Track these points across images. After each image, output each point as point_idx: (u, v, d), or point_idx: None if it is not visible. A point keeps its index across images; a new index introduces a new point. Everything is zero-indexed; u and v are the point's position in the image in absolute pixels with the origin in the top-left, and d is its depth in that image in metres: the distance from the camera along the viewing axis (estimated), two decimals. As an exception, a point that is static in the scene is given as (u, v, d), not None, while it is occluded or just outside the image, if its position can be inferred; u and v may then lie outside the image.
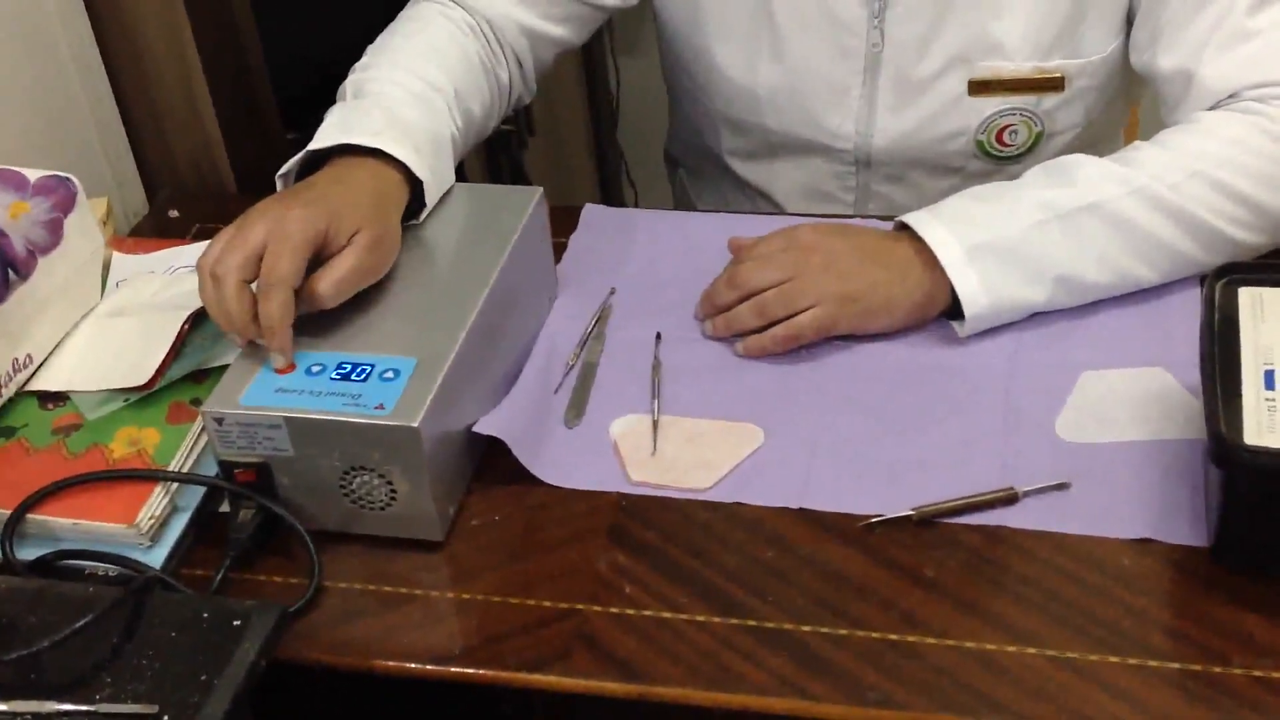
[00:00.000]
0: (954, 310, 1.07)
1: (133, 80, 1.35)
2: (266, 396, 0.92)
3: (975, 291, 1.04)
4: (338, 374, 0.93)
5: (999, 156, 1.22)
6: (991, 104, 1.19)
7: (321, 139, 1.04)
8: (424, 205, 1.06)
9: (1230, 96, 1.10)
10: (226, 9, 1.38)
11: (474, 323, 0.97)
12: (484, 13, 1.21)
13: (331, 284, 0.95)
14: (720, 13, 1.25)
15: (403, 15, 1.22)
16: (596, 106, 2.52)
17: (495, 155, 1.97)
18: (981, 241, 1.04)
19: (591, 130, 2.54)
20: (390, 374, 0.93)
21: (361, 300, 1.00)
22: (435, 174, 1.06)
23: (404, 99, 1.09)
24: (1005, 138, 1.20)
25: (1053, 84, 1.17)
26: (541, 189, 1.10)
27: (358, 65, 1.16)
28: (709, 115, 1.34)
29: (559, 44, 1.28)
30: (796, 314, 1.05)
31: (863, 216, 1.25)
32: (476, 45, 1.20)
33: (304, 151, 1.05)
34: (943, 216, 1.06)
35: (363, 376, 0.93)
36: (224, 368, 0.97)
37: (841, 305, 1.05)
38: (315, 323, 0.98)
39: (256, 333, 0.93)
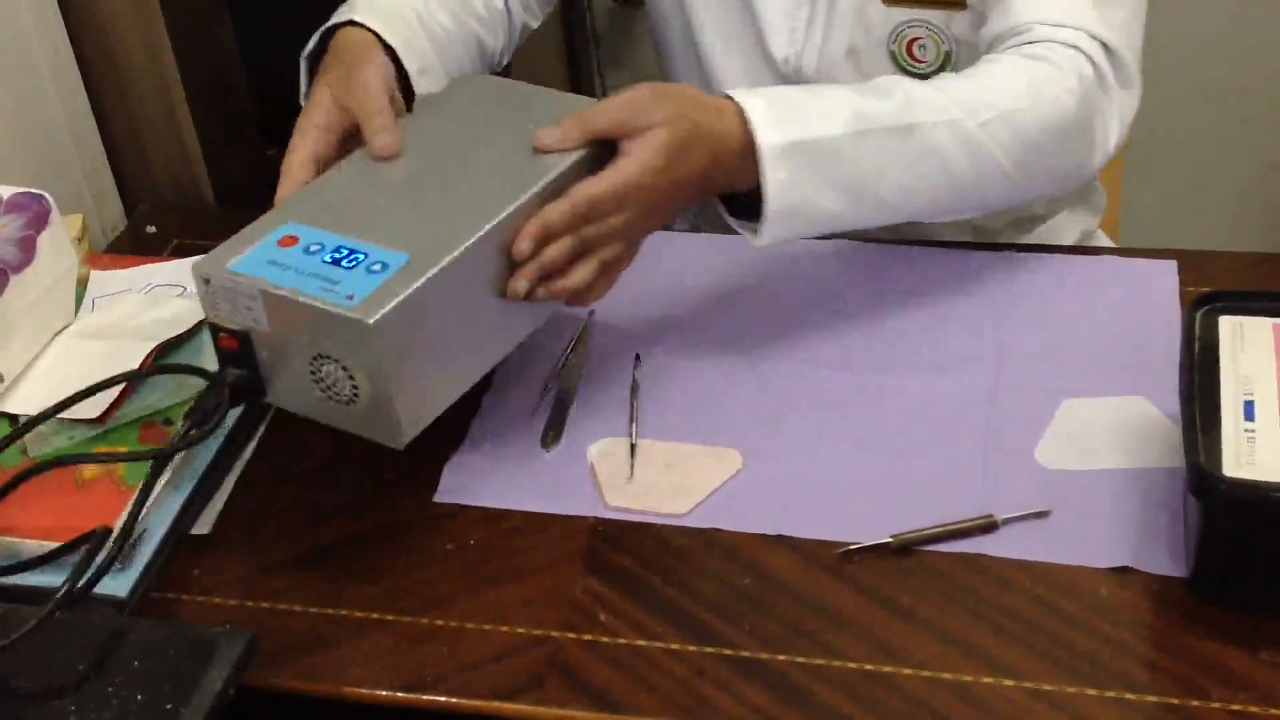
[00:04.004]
0: (744, 210, 1.04)
1: (111, 94, 1.34)
2: (255, 266, 0.90)
3: (783, 186, 1.01)
4: (331, 257, 0.90)
5: (912, 72, 1.22)
6: (902, 14, 1.20)
7: (311, 41, 1.14)
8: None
9: (1021, 31, 1.09)
10: (206, 23, 1.37)
11: (483, 236, 0.92)
12: None
13: (374, 148, 1.00)
14: None
15: None
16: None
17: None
18: (800, 139, 1.01)
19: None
20: (378, 266, 0.89)
21: (386, 184, 0.98)
22: (408, 43, 1.12)
23: None
24: (915, 51, 1.21)
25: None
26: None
27: None
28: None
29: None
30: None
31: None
32: None
33: (302, 59, 1.14)
34: (769, 98, 1.03)
35: (353, 264, 0.90)
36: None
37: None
38: (332, 198, 0.96)
39: None
